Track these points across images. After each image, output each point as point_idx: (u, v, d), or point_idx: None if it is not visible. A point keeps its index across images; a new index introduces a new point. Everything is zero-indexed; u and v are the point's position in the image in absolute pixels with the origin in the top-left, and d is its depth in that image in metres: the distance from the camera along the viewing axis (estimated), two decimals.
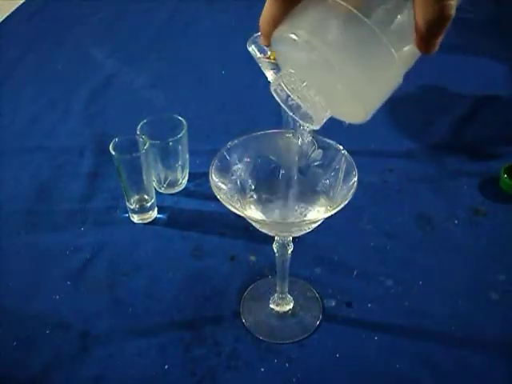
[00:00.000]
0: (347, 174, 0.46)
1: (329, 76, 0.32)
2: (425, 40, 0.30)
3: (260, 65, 0.66)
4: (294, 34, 0.31)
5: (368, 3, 0.31)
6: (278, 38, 0.33)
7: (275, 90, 0.36)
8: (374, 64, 0.32)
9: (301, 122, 0.37)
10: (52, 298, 0.61)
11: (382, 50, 0.31)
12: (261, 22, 0.34)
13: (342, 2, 0.30)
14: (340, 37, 0.31)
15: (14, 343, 0.57)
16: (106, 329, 0.58)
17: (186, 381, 0.53)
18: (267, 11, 0.33)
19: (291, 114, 0.37)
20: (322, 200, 0.48)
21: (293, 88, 0.35)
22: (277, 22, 0.33)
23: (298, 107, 0.36)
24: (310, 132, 0.42)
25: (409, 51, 0.32)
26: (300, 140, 0.44)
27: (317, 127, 0.38)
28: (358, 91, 0.32)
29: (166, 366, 0.54)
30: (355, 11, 0.30)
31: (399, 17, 0.31)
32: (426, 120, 0.87)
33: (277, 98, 0.37)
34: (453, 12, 0.29)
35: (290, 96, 0.36)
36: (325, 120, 0.37)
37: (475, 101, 0.91)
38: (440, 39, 0.30)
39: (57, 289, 0.62)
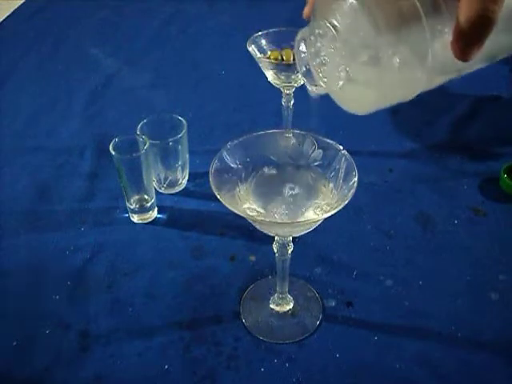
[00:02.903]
0: (347, 174, 0.46)
1: (365, 50, 0.32)
2: (462, 42, 0.29)
3: (260, 65, 0.66)
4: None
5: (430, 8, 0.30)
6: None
7: (301, 39, 0.35)
8: (408, 67, 0.31)
9: (306, 80, 0.37)
10: (52, 298, 0.61)
11: (420, 61, 0.31)
12: None
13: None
14: (394, 24, 0.31)
15: (14, 343, 0.57)
16: (106, 329, 0.58)
17: (186, 381, 0.53)
18: None
19: (301, 69, 0.37)
20: (322, 200, 0.48)
21: (317, 49, 0.35)
22: None
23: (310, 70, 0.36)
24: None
25: (438, 69, 0.32)
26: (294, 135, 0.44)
27: (320, 93, 0.37)
28: (376, 86, 0.32)
29: (166, 366, 0.54)
30: (421, 12, 0.30)
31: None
32: (426, 120, 0.87)
33: (300, 48, 0.36)
34: (495, 17, 0.28)
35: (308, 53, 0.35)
36: (323, 92, 0.37)
37: (475, 101, 0.91)
38: (477, 49, 0.29)
39: (57, 289, 0.62)
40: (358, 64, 0.33)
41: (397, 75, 0.32)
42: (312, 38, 0.35)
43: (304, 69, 0.36)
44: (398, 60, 0.31)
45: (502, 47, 0.34)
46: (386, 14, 0.31)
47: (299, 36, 0.36)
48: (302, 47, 0.36)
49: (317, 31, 0.34)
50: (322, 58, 0.35)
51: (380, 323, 0.57)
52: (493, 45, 0.31)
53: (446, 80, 0.34)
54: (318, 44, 0.35)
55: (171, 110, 0.75)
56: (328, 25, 0.33)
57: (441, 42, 0.31)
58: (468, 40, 0.29)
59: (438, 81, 0.34)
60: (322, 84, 0.36)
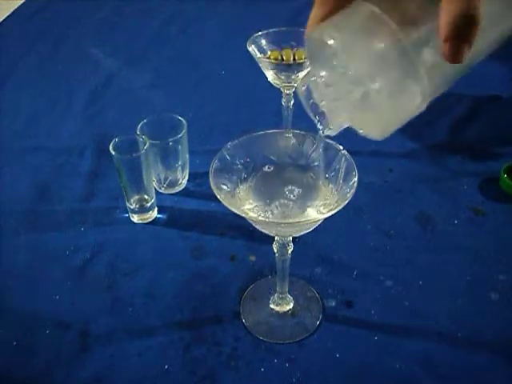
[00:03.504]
0: (347, 174, 0.46)
1: (355, 89, 0.32)
2: (449, 44, 0.29)
3: (260, 65, 0.66)
4: (331, 38, 0.31)
5: (410, 29, 0.30)
6: (316, 39, 0.33)
7: (302, 92, 0.36)
8: (399, 86, 0.31)
9: (319, 126, 0.37)
10: (52, 298, 0.61)
11: (411, 74, 0.30)
12: (312, 12, 0.34)
13: (387, 20, 0.29)
14: (373, 54, 0.31)
15: (14, 343, 0.57)
16: (106, 329, 0.58)
17: (186, 381, 0.53)
18: (313, 12, 0.33)
19: (311, 115, 0.37)
20: (322, 200, 0.48)
21: (319, 93, 0.35)
22: (327, 15, 0.33)
23: (321, 112, 0.36)
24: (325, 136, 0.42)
25: (437, 84, 0.32)
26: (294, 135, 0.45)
27: (333, 133, 0.38)
28: (381, 116, 0.32)
29: (166, 366, 0.54)
30: (401, 37, 0.29)
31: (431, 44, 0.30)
32: (426, 120, 0.87)
33: (302, 99, 0.37)
34: (477, 13, 0.28)
35: (312, 99, 0.36)
36: (342, 128, 0.37)
37: (475, 101, 0.91)
38: (468, 49, 0.29)
39: (57, 289, 0.62)
40: (354, 102, 0.33)
41: (395, 102, 0.32)
42: (312, 85, 0.35)
43: (314, 113, 0.37)
44: (389, 90, 0.31)
45: (496, 35, 0.34)
46: (365, 48, 0.31)
47: (301, 87, 0.36)
48: (307, 96, 0.36)
49: (312, 78, 0.35)
50: (325, 102, 0.36)
51: (380, 323, 0.57)
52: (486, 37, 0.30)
53: (453, 82, 0.34)
54: (319, 89, 0.35)
55: (171, 109, 0.75)
56: (318, 70, 0.34)
57: (430, 53, 0.30)
58: (456, 42, 0.29)
59: (444, 87, 0.34)
60: (340, 120, 0.36)
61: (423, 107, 0.33)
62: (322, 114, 0.37)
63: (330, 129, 0.37)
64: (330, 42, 0.31)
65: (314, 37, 0.33)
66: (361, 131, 0.36)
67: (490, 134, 0.84)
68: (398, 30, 0.30)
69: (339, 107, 0.35)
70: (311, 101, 0.36)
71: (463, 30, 0.29)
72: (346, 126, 0.37)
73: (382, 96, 0.31)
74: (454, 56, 0.29)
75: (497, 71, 0.99)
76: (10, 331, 0.58)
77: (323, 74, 0.34)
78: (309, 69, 0.36)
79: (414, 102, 0.32)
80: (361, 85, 0.31)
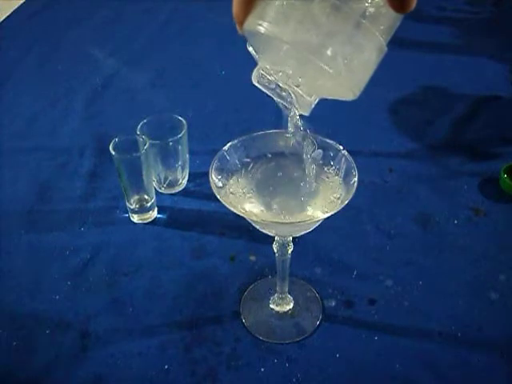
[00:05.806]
0: (347, 174, 0.46)
1: (307, 65, 0.31)
2: (396, 1, 0.28)
3: None
4: (261, 26, 0.30)
5: None
6: (249, 31, 0.32)
7: (259, 82, 0.36)
8: (350, 45, 0.30)
9: (290, 107, 0.37)
10: (52, 298, 0.61)
11: (355, 28, 0.29)
12: (233, 8, 0.32)
13: None
14: (309, 24, 0.30)
15: (14, 343, 0.57)
16: (106, 329, 0.58)
17: (186, 381, 0.53)
18: None
19: (279, 101, 0.37)
20: (322, 200, 0.48)
21: (274, 78, 0.35)
22: (248, 7, 0.32)
23: (285, 95, 0.36)
24: (300, 120, 0.41)
25: (384, 18, 0.30)
26: (294, 135, 0.44)
27: (306, 113, 0.37)
28: (339, 76, 0.31)
29: (166, 366, 0.54)
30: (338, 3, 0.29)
31: None
32: (426, 120, 0.87)
33: (262, 89, 0.36)
34: None
35: (276, 84, 0.36)
36: (313, 105, 0.36)
37: (475, 101, 0.91)
38: None
39: (57, 289, 0.62)
40: (313, 78, 0.33)
41: (353, 62, 0.31)
42: (265, 72, 0.35)
43: (280, 98, 0.37)
44: (342, 53, 0.30)
45: None
46: (301, 25, 0.30)
47: (256, 77, 0.36)
48: (266, 85, 0.36)
49: (261, 71, 0.34)
50: (285, 85, 0.35)
51: (380, 323, 0.57)
52: None
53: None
54: (274, 75, 0.35)
55: (171, 109, 0.75)
56: (265, 57, 0.34)
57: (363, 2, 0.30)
58: None
59: (396, 24, 0.32)
60: (307, 98, 0.36)
61: (384, 51, 0.32)
62: (287, 97, 0.36)
63: (301, 109, 0.37)
64: (265, 31, 0.30)
65: (249, 30, 0.32)
66: (334, 98, 0.35)
67: (490, 134, 0.84)
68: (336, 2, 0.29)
69: (301, 86, 0.34)
70: (272, 86, 0.36)
71: None
72: (316, 101, 0.36)
73: (339, 61, 0.30)
74: (405, 7, 0.28)
75: (497, 71, 0.99)
76: (9, 331, 0.58)
77: (271, 59, 0.34)
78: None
79: (371, 54, 0.31)
80: (313, 60, 0.30)
